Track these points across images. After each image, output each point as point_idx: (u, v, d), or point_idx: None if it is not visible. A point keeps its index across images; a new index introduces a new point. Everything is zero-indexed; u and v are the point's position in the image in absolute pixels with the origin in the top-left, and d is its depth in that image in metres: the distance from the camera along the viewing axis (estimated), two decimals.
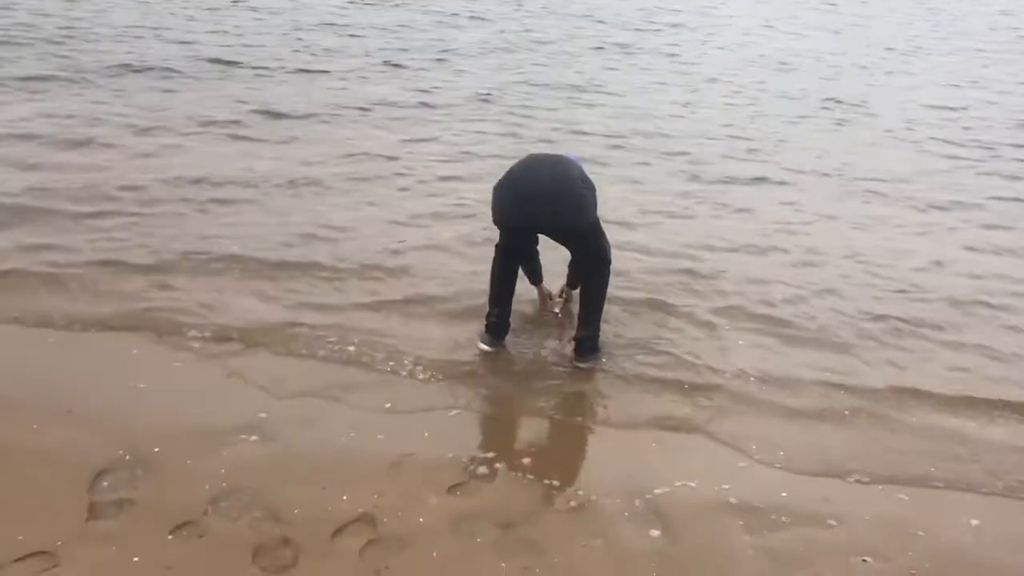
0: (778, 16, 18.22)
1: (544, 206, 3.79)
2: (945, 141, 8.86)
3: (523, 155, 4.12)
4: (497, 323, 4.11)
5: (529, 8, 16.47)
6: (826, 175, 7.44)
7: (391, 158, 6.97)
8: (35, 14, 11.50)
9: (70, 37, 10.32)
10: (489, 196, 3.96)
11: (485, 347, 4.11)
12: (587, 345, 4.05)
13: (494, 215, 3.96)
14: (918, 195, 6.99)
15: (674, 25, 16.00)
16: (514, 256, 4.13)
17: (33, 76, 8.45)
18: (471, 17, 14.63)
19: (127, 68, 9.15)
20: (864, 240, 5.93)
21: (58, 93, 8.06)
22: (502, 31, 13.55)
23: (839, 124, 9.39)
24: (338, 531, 2.86)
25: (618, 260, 4.25)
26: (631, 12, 17.08)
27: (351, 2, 15.16)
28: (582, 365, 4.04)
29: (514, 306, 4.20)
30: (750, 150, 8.05)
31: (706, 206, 6.43)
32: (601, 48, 12.98)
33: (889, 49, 14.86)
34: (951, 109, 10.35)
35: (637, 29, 15.13)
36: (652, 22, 16.12)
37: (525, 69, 10.88)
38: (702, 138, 8.32)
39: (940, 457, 3.56)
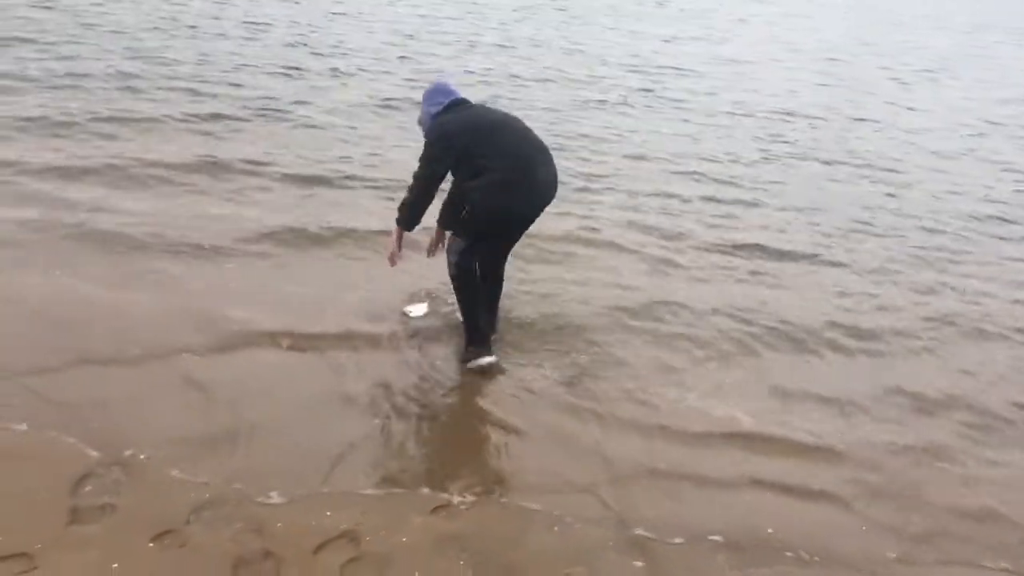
0: None
1: (550, 185, 4.00)
2: None
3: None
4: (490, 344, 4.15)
5: None
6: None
7: None
8: None
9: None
10: None
11: (484, 362, 4.10)
12: None
13: (504, 212, 3.95)
14: None
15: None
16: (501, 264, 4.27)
17: None
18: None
19: None
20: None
21: None
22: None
23: None
24: (320, 547, 2.84)
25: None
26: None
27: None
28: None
29: (510, 328, 4.21)
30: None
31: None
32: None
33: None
34: None
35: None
36: None
37: None
38: None
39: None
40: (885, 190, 8.40)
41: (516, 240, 4.27)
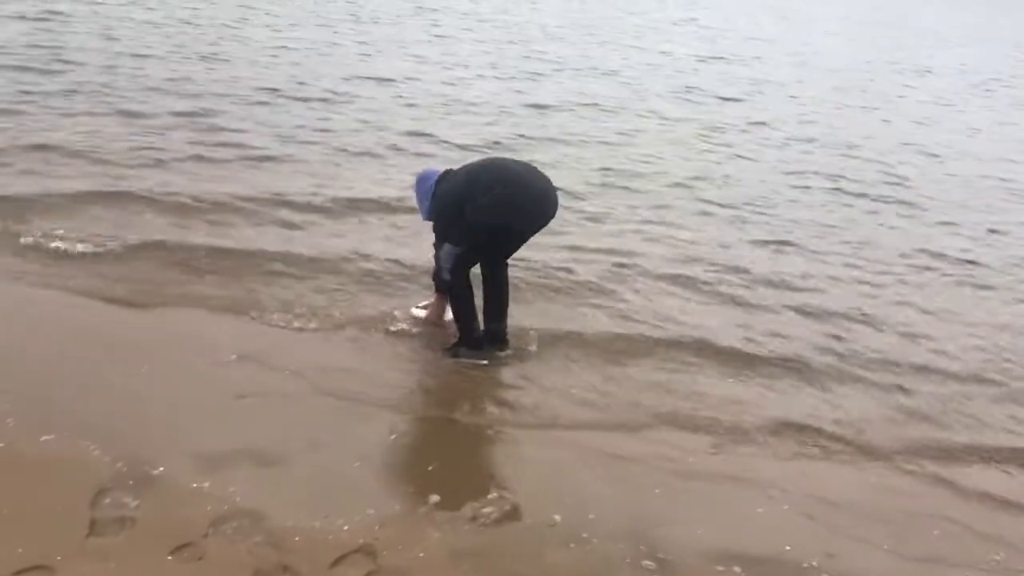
0: None
1: (551, 202, 4.16)
2: None
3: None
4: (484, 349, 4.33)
5: None
6: None
7: None
8: None
9: None
10: None
11: (478, 362, 4.27)
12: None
13: (505, 219, 4.08)
14: None
15: None
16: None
17: None
18: None
19: None
20: None
21: None
22: None
23: None
24: (337, 561, 2.85)
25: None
26: None
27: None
28: (503, 353, 4.36)
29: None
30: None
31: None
32: None
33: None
34: None
35: None
36: None
37: None
38: None
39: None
40: None
41: (513, 252, 4.40)
